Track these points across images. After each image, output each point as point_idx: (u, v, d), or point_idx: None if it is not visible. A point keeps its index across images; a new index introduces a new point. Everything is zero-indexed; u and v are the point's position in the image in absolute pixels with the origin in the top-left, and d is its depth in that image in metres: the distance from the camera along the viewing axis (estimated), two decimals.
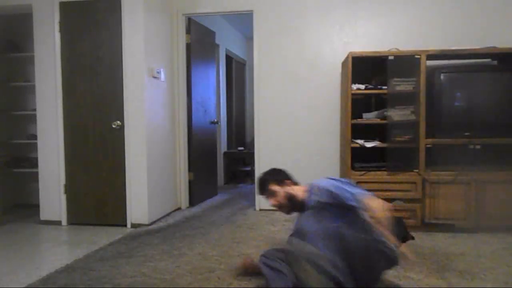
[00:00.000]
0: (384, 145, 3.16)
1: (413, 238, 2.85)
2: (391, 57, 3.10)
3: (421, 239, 2.86)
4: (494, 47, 3.12)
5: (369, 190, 3.07)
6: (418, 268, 2.29)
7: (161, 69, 3.67)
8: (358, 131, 3.27)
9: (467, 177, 2.99)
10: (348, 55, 3.22)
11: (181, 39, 4.04)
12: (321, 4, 3.80)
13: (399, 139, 3.12)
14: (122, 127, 3.37)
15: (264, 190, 2.23)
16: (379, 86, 3.22)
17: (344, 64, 3.47)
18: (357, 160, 3.22)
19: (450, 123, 3.06)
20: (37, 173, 3.57)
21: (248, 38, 6.87)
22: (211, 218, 3.62)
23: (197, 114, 4.29)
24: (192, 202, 4.20)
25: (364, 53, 3.19)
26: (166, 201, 3.78)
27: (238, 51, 6.47)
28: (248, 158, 6.11)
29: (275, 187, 2.18)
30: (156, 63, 3.58)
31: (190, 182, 4.18)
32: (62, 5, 3.41)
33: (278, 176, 2.24)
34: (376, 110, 3.37)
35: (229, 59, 6.10)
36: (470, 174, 2.99)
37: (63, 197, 3.48)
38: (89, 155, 3.43)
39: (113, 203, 3.41)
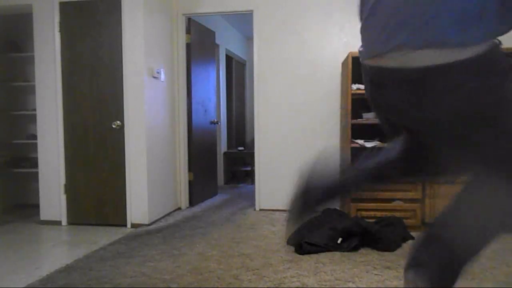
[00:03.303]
0: (384, 145, 3.15)
1: (413, 238, 2.86)
2: None
3: None
4: None
5: (369, 190, 3.11)
6: None
7: (161, 69, 3.67)
8: (358, 131, 3.28)
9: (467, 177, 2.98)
10: (348, 55, 3.22)
11: (181, 39, 4.04)
12: (321, 4, 3.80)
13: None
14: (122, 127, 3.37)
15: None
16: None
17: (344, 64, 3.47)
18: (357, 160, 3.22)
19: None
20: (37, 173, 3.57)
21: (248, 38, 6.87)
22: (211, 218, 3.63)
23: (197, 114, 4.29)
24: (192, 202, 4.20)
25: None
26: (166, 201, 3.78)
27: (238, 51, 6.47)
28: (248, 158, 6.11)
29: None
30: (156, 63, 3.58)
31: (190, 182, 4.19)
32: (62, 5, 3.41)
33: None
34: None
35: (229, 59, 6.10)
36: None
37: (63, 197, 3.48)
38: (89, 155, 3.43)
39: (113, 203, 3.41)
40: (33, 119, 3.74)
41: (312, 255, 2.52)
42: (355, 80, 3.21)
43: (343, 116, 3.52)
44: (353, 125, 3.19)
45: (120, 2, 3.32)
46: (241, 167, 6.14)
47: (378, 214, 3.07)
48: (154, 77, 3.53)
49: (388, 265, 2.34)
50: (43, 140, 3.52)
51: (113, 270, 2.33)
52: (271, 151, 3.94)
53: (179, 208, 4.08)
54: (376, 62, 1.06)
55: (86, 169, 3.44)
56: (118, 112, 3.37)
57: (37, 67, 3.50)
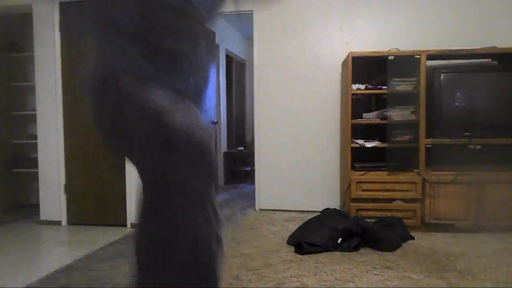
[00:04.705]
0: (384, 145, 3.16)
1: (413, 238, 2.86)
2: (391, 57, 3.10)
3: (421, 239, 2.86)
4: (494, 47, 3.12)
5: (369, 190, 3.11)
6: (418, 268, 2.29)
7: None
8: (358, 131, 3.27)
9: (467, 177, 2.99)
10: (348, 55, 3.22)
11: None
12: (321, 4, 3.80)
13: (399, 139, 3.12)
14: None
15: None
16: (379, 86, 3.22)
17: (344, 64, 3.47)
18: (357, 160, 3.22)
19: (450, 123, 3.06)
20: (37, 173, 3.57)
21: (248, 38, 6.87)
22: None
23: None
24: None
25: (364, 53, 3.19)
26: None
27: (238, 51, 6.47)
28: (248, 158, 6.11)
29: None
30: None
31: None
32: (62, 5, 3.41)
33: None
34: (376, 110, 3.36)
35: (229, 59, 6.09)
36: (470, 174, 2.99)
37: (63, 197, 3.48)
38: (89, 155, 3.43)
39: (113, 203, 3.41)
40: (33, 119, 3.74)
41: (312, 255, 2.52)
42: (355, 80, 3.21)
43: (343, 116, 3.52)
44: (353, 125, 3.19)
45: None
46: (241, 167, 6.14)
47: (378, 214, 3.07)
48: None
49: (388, 265, 2.34)
50: (43, 140, 3.52)
51: (113, 270, 2.33)
52: (271, 151, 3.94)
53: None
54: None
55: (86, 169, 3.44)
56: None
57: (37, 67, 3.50)
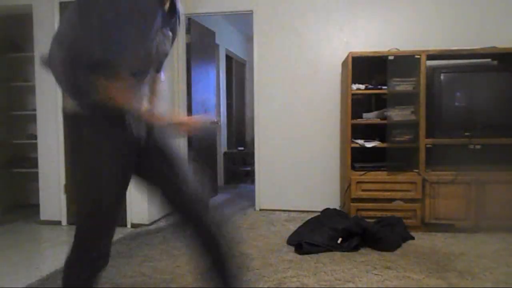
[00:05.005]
0: (384, 145, 3.16)
1: (413, 238, 2.87)
2: (391, 57, 3.10)
3: (421, 239, 2.86)
4: (494, 47, 3.12)
5: (369, 190, 3.11)
6: (418, 268, 2.29)
7: (161, 69, 3.66)
8: (358, 131, 3.28)
9: (467, 177, 2.99)
10: (348, 55, 3.22)
11: (181, 39, 4.04)
12: (321, 4, 3.80)
13: (399, 139, 3.12)
14: None
15: None
16: (379, 86, 3.22)
17: (344, 64, 3.47)
18: (357, 160, 3.22)
19: (450, 123, 3.06)
20: (37, 173, 3.57)
21: (248, 38, 6.87)
22: None
23: (197, 114, 4.29)
24: None
25: (364, 53, 3.19)
26: None
27: (238, 51, 6.47)
28: (248, 158, 6.11)
29: None
30: None
31: None
32: (62, 5, 3.41)
33: None
34: (376, 110, 3.37)
35: (229, 59, 6.09)
36: (470, 174, 2.99)
37: (63, 197, 3.48)
38: None
39: None
40: (33, 119, 3.74)
41: (312, 255, 2.53)
42: (355, 80, 3.21)
43: (343, 116, 3.52)
44: (353, 125, 3.19)
45: None
46: (241, 167, 6.14)
47: (378, 214, 3.07)
48: None
49: (388, 265, 2.34)
50: (43, 140, 3.52)
51: (113, 270, 2.33)
52: (271, 151, 3.94)
53: None
54: None
55: None
56: None
57: (37, 67, 3.50)
